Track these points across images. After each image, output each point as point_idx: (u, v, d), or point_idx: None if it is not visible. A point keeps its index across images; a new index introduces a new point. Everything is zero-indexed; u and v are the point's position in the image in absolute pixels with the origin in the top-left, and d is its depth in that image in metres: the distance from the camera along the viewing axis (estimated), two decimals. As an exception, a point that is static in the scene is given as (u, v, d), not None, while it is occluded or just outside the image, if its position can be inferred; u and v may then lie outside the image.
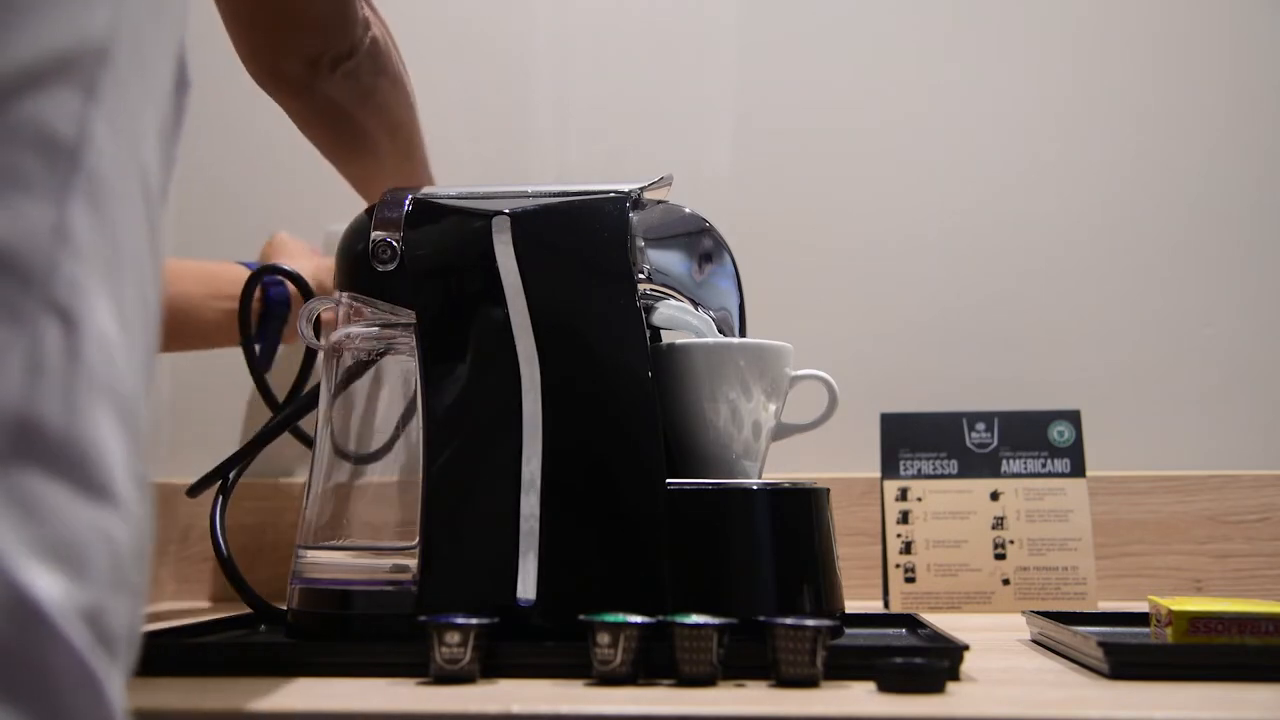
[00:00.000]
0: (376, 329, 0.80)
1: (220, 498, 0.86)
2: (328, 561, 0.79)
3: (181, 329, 1.01)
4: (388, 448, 0.84)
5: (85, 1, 0.39)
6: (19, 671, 0.34)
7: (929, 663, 0.62)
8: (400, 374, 0.82)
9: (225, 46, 0.87)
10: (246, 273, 1.01)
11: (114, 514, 0.38)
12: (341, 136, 0.93)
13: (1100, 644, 0.65)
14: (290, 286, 1.03)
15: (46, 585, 0.35)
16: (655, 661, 0.64)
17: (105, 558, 0.37)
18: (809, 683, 0.62)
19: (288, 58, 0.84)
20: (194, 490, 0.90)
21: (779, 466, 0.92)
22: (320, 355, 0.86)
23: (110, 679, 0.37)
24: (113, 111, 0.40)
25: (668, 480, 0.73)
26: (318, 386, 0.85)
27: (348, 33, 0.85)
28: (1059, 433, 1.08)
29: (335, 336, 0.82)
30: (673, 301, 0.82)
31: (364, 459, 0.84)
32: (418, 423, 0.76)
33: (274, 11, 0.82)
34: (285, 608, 0.80)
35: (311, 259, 1.13)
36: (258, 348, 1.09)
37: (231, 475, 0.87)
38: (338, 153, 0.96)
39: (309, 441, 0.89)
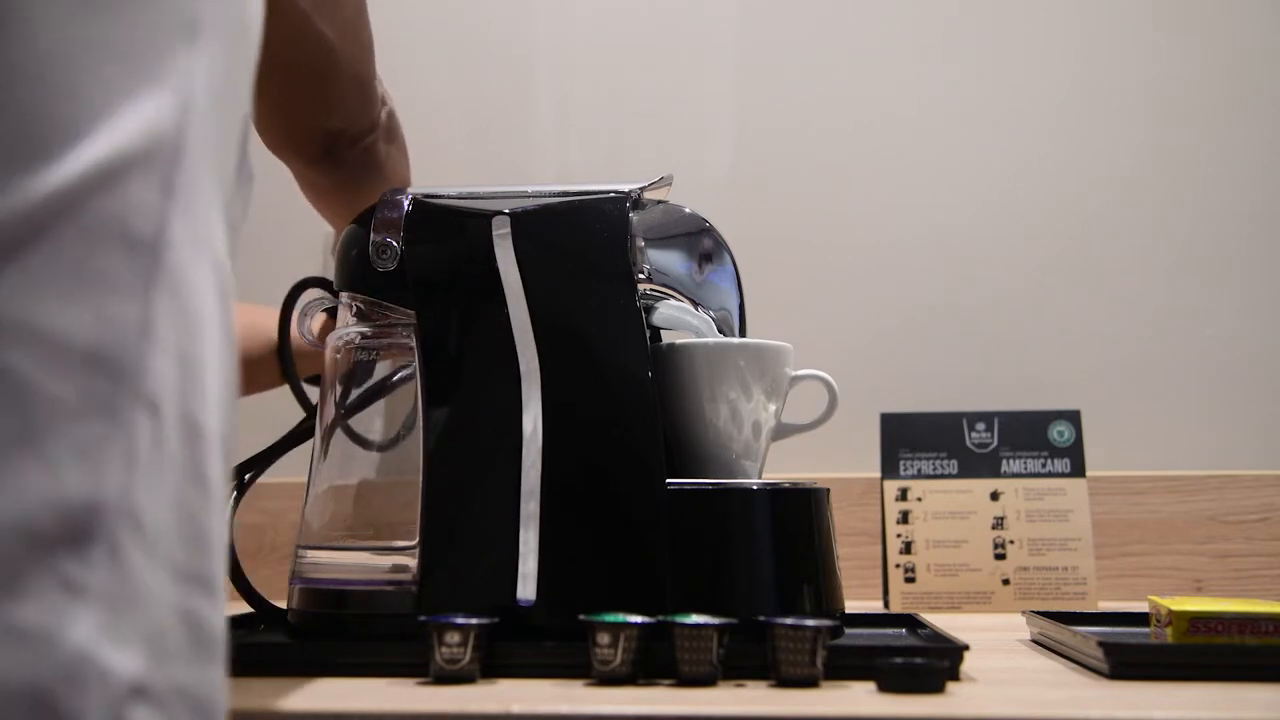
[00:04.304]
0: (376, 329, 0.80)
1: (234, 498, 0.86)
2: (328, 561, 0.79)
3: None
4: (388, 447, 0.83)
5: (154, 95, 0.39)
6: None
7: (929, 663, 0.62)
8: (400, 374, 0.82)
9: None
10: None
11: (204, 595, 0.40)
12: (348, 203, 0.92)
13: (1100, 644, 0.65)
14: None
15: (142, 668, 0.37)
16: (655, 661, 0.64)
17: (194, 636, 0.39)
18: (809, 683, 0.62)
19: (309, 135, 0.83)
20: None
21: (779, 466, 0.91)
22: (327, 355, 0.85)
23: None
24: (187, 205, 0.40)
25: (668, 480, 0.73)
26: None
27: (370, 114, 0.84)
28: (1059, 433, 1.08)
29: (335, 336, 0.82)
30: (673, 301, 0.82)
31: (364, 459, 0.84)
32: (418, 422, 0.76)
33: (304, 98, 0.81)
34: (285, 608, 0.80)
35: None
36: None
37: (247, 477, 0.87)
38: (342, 216, 0.95)
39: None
